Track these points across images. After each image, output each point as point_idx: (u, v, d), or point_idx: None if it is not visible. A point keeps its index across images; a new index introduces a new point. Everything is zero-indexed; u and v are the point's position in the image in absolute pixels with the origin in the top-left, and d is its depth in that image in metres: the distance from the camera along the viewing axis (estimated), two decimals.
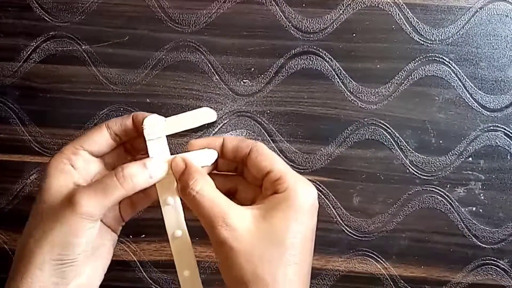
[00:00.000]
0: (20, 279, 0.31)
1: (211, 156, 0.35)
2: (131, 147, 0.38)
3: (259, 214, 0.31)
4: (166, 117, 0.36)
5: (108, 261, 0.36)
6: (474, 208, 0.50)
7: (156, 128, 0.35)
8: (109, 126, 0.35)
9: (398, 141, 0.50)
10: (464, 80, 0.50)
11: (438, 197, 0.50)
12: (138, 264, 0.50)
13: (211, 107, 0.50)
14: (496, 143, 0.50)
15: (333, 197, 0.50)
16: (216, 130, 0.50)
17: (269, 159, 0.33)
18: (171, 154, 0.35)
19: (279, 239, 0.30)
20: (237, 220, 0.30)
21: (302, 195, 0.32)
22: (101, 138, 0.35)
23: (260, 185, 0.34)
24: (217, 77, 0.51)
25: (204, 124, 0.36)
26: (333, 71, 0.51)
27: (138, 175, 0.33)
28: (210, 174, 0.35)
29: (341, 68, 0.51)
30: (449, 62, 0.51)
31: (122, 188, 0.32)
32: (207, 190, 0.32)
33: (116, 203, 0.33)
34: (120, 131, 0.36)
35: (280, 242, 0.30)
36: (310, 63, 0.51)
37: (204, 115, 0.36)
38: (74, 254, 0.32)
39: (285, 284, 0.30)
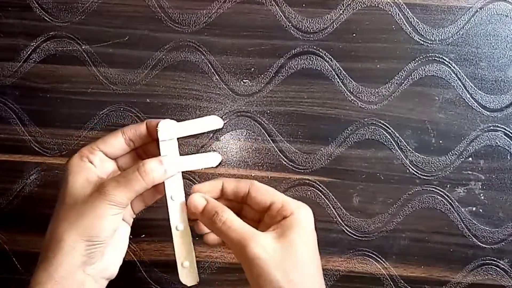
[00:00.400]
0: (53, 256, 0.36)
1: (216, 158, 0.40)
2: (143, 152, 0.41)
3: (277, 235, 0.36)
4: (167, 118, 0.39)
5: (125, 250, 0.40)
6: (474, 208, 0.50)
7: (169, 131, 0.39)
8: (124, 132, 0.39)
9: (398, 141, 0.50)
10: (464, 80, 0.50)
11: (438, 197, 0.50)
12: (138, 264, 0.50)
13: (211, 107, 0.51)
14: (496, 143, 0.50)
15: (333, 197, 0.50)
16: (216, 130, 0.50)
17: (269, 193, 0.39)
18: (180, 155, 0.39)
19: (299, 251, 0.36)
20: (264, 239, 0.36)
21: (305, 216, 0.38)
22: (116, 142, 0.39)
23: (258, 220, 0.39)
24: (217, 77, 0.51)
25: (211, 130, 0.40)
26: (333, 71, 0.51)
27: (156, 170, 0.37)
28: None
29: (341, 68, 0.51)
30: (449, 62, 0.51)
31: (143, 181, 0.36)
32: (232, 217, 0.37)
33: (137, 195, 0.37)
34: (135, 136, 0.39)
35: (300, 252, 0.36)
36: (310, 63, 0.51)
37: (212, 122, 0.40)
38: (102, 237, 0.36)
39: (313, 285, 0.36)
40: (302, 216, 0.37)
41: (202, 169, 0.41)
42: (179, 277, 0.39)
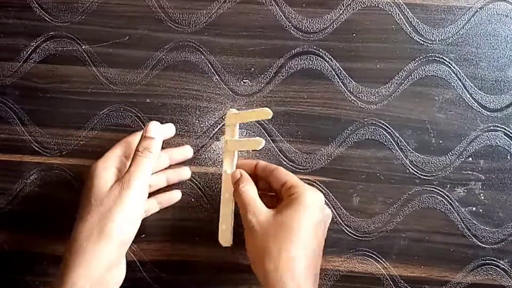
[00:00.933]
0: (84, 258, 0.38)
1: (260, 143, 0.46)
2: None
3: (276, 211, 0.42)
4: (232, 109, 0.49)
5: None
6: (474, 208, 0.50)
7: (233, 118, 0.47)
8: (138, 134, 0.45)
9: (398, 141, 0.50)
10: (464, 80, 0.50)
11: (438, 197, 0.50)
12: (138, 264, 0.50)
13: (211, 107, 0.51)
14: (496, 143, 0.50)
15: (333, 197, 0.50)
16: (216, 130, 0.50)
17: (285, 174, 0.44)
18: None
19: (287, 225, 0.40)
20: (262, 212, 0.42)
21: (308, 196, 0.42)
22: (135, 140, 0.45)
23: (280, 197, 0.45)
24: (217, 77, 0.51)
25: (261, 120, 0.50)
26: (333, 71, 0.51)
27: (150, 145, 0.42)
28: None
29: (341, 68, 0.51)
30: (449, 62, 0.51)
31: (147, 158, 0.42)
32: (250, 191, 0.44)
33: (151, 173, 0.43)
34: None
35: (287, 227, 0.40)
36: (310, 63, 0.51)
37: (264, 114, 0.46)
38: (134, 230, 0.41)
39: (288, 255, 0.39)
40: (304, 197, 0.41)
41: (250, 151, 0.50)
42: (218, 238, 0.47)
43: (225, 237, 0.47)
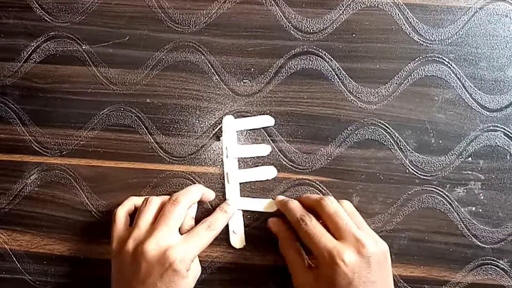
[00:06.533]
0: None
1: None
2: None
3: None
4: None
5: None
6: (473, 208, 0.50)
7: (230, 124, 0.50)
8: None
9: (398, 141, 0.50)
10: (463, 80, 0.50)
11: (438, 197, 0.50)
12: None
13: (211, 107, 0.51)
14: (496, 143, 0.50)
15: (333, 197, 0.50)
16: (216, 130, 0.51)
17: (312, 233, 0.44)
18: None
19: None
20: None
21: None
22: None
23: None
24: (217, 77, 0.51)
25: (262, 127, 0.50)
26: (332, 71, 0.51)
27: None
28: None
29: (341, 68, 0.51)
30: (449, 62, 0.51)
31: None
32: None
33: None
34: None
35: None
36: (310, 63, 0.51)
37: (264, 121, 0.50)
38: None
39: None
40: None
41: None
42: (230, 242, 0.49)
43: (237, 239, 0.49)
